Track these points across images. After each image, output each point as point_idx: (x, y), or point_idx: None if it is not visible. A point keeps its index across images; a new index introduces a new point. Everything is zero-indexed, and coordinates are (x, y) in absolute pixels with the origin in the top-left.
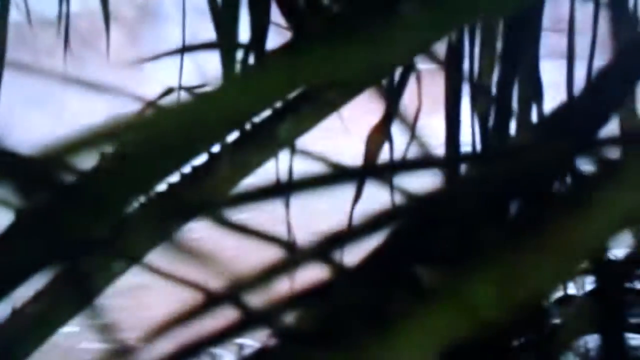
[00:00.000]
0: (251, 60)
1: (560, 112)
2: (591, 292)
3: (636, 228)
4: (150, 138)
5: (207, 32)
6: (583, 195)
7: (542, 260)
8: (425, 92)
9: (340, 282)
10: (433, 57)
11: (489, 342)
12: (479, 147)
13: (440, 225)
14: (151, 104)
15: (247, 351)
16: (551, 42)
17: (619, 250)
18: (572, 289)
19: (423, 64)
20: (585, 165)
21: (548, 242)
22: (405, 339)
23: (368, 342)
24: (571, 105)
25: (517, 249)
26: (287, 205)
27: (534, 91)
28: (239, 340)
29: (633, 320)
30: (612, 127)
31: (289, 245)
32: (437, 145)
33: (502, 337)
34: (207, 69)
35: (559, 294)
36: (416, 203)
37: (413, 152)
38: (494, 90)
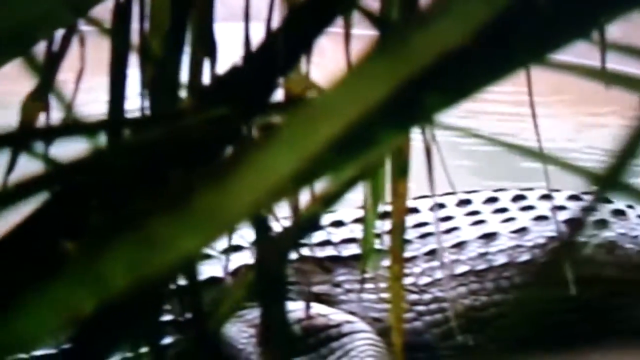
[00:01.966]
0: None
1: (227, 77)
2: (253, 263)
3: (291, 195)
4: None
5: None
6: (241, 161)
7: (188, 227)
8: (92, 56)
9: None
10: (96, 20)
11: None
12: (147, 112)
13: (89, 193)
14: None
15: None
16: (232, 3)
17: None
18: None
19: (89, 27)
20: (249, 130)
21: (198, 208)
22: (29, 312)
23: None
24: (238, 70)
25: (166, 215)
26: None
27: (208, 54)
28: None
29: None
30: (279, 92)
31: None
32: (101, 110)
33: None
34: None
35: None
36: (66, 171)
37: (72, 118)
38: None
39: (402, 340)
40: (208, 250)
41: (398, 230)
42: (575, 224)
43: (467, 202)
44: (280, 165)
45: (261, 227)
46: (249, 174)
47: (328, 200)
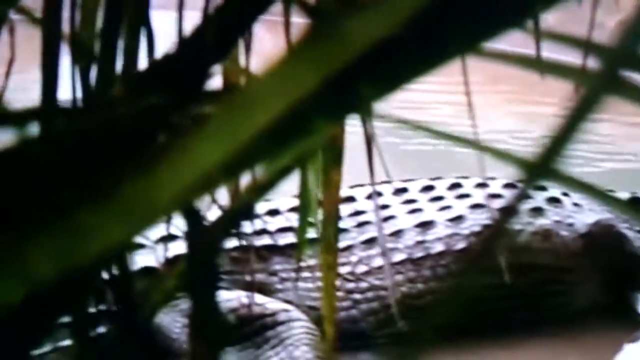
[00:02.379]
0: None
1: (160, 65)
2: (185, 253)
3: (223, 183)
4: None
5: None
6: (170, 150)
7: (116, 216)
8: (23, 46)
9: None
10: (26, 10)
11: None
12: (80, 101)
13: (16, 183)
14: None
15: None
16: None
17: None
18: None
19: (19, 16)
20: (182, 119)
21: (127, 197)
22: None
23: None
24: (171, 58)
25: (94, 204)
26: None
27: (146, 42)
28: None
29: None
30: (214, 80)
31: None
32: (33, 100)
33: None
34: None
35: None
36: None
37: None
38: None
39: (335, 328)
40: (142, 240)
41: (331, 220)
42: (506, 211)
43: (403, 190)
44: (211, 154)
45: (193, 216)
46: (179, 163)
47: (262, 189)
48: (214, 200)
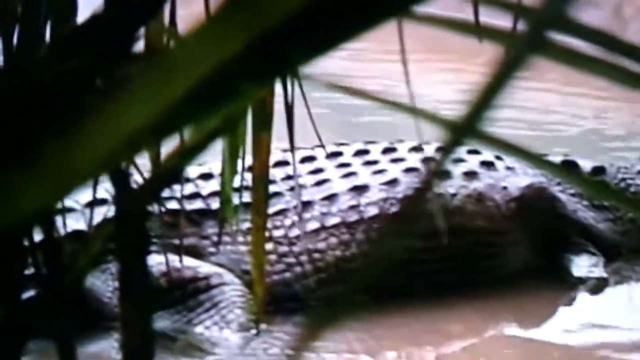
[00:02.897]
0: None
1: (86, 27)
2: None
3: (149, 147)
4: None
5: None
6: (93, 113)
7: (39, 180)
8: None
9: None
10: None
11: None
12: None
13: None
14: None
15: None
16: None
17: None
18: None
19: None
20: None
21: (49, 161)
22: None
23: None
24: (97, 20)
25: (16, 168)
26: None
27: (67, 6)
28: None
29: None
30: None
31: None
32: None
33: None
34: None
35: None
36: None
37: None
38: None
39: (266, 290)
40: (71, 204)
41: (260, 183)
42: (429, 173)
43: (337, 154)
44: (136, 117)
45: (121, 179)
46: (104, 126)
47: (189, 153)
48: (137, 165)
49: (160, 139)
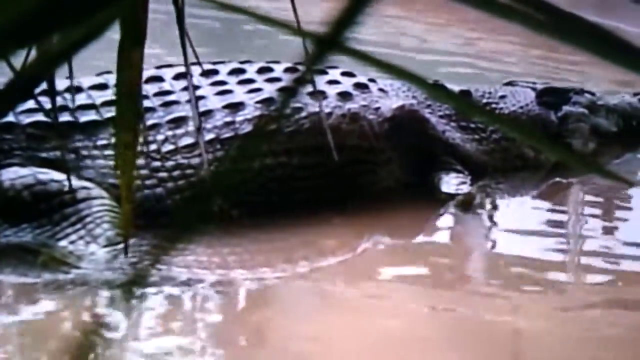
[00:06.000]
0: None
1: None
2: None
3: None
4: None
5: None
6: None
7: None
8: None
9: None
10: None
11: None
12: None
13: None
14: None
15: None
16: None
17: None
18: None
19: None
20: None
21: None
22: None
23: None
24: None
25: None
26: None
27: None
28: None
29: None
30: None
31: None
32: None
33: None
34: None
35: None
36: None
37: None
38: None
39: (132, 208)
40: None
41: (129, 100)
42: (287, 89)
43: (213, 72)
44: None
45: None
46: None
47: (52, 60)
48: None
49: (21, 45)
